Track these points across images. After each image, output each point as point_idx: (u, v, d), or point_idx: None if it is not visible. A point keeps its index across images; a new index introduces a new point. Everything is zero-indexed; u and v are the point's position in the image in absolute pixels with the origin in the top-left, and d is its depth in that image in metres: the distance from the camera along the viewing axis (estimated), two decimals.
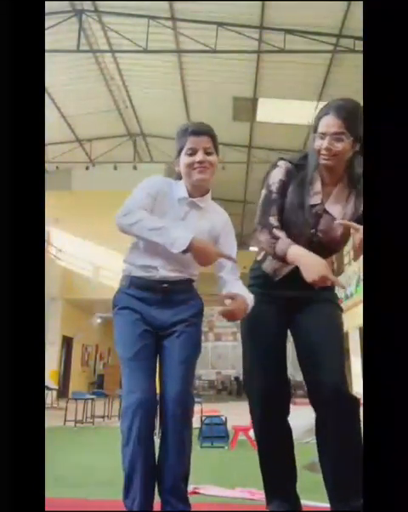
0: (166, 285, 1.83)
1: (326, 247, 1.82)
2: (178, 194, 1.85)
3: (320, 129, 1.73)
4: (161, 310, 1.84)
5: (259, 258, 1.99)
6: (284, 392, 1.89)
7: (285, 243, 1.66)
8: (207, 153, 1.80)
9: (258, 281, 1.96)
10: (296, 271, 1.67)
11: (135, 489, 1.69)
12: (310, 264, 1.59)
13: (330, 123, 1.70)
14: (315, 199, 1.79)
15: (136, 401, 1.71)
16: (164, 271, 1.83)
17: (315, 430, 1.81)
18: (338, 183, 1.82)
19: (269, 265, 1.92)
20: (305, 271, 1.59)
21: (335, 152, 1.71)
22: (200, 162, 1.78)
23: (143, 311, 1.83)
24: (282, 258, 1.68)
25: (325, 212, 1.80)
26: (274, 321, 1.88)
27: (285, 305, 1.88)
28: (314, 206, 1.79)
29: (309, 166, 1.81)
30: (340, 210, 1.80)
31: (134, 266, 1.87)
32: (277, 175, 1.83)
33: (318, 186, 1.80)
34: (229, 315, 1.73)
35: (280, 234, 1.70)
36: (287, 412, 1.90)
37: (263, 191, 1.84)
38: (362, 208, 1.76)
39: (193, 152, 1.79)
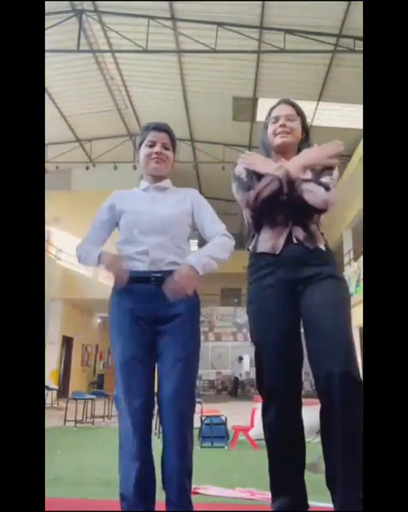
0: (158, 274, 1.83)
1: (303, 208, 1.88)
2: (142, 187, 2.01)
3: (273, 115, 1.99)
4: (155, 302, 1.83)
5: (251, 246, 1.97)
6: (299, 387, 1.87)
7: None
8: (165, 148, 1.96)
9: (259, 272, 1.92)
10: (294, 249, 1.85)
11: (131, 491, 1.71)
12: None
13: (282, 109, 1.99)
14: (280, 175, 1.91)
15: (131, 404, 1.74)
16: (158, 253, 1.85)
17: (320, 416, 1.78)
18: None
19: (264, 243, 1.91)
20: None
21: (289, 128, 1.94)
22: (157, 153, 1.93)
23: (137, 306, 1.83)
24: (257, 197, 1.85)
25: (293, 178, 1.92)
26: (286, 316, 1.85)
27: (292, 294, 1.85)
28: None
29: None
30: (303, 175, 1.92)
31: (126, 258, 1.88)
32: (240, 168, 1.99)
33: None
34: (172, 293, 1.76)
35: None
36: (301, 406, 1.89)
37: (234, 183, 2.00)
38: (322, 175, 1.92)
39: (152, 144, 1.94)
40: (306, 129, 2.01)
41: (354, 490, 1.61)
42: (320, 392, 1.75)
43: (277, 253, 1.88)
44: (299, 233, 1.88)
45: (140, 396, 1.76)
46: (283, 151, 1.98)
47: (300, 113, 2.00)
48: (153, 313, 1.83)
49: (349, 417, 1.67)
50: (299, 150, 1.99)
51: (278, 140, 1.96)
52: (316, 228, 1.93)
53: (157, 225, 1.88)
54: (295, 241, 1.88)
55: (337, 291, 1.85)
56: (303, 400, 1.90)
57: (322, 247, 1.90)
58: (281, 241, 1.88)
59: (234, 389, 17.68)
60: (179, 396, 1.76)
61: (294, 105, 2.01)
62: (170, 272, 1.81)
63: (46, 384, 9.90)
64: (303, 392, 1.91)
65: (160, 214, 1.90)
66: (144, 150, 1.96)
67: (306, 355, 1.83)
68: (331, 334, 1.74)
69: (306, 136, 2.02)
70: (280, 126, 1.94)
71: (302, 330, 1.88)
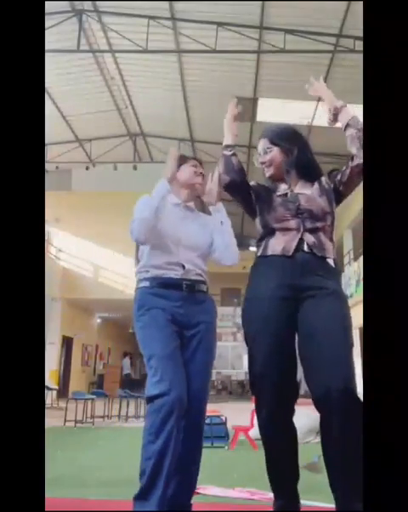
0: (189, 282, 2.01)
1: (315, 216, 1.95)
2: (172, 201, 2.14)
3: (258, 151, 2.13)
4: (185, 307, 1.99)
5: (260, 251, 1.98)
6: (292, 393, 1.88)
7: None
8: None
9: (264, 274, 1.93)
10: (303, 255, 1.89)
11: (158, 489, 1.71)
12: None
13: (259, 145, 2.11)
14: (284, 190, 2.05)
15: (175, 398, 1.78)
16: (189, 266, 2.03)
17: (320, 433, 1.80)
18: (299, 181, 2.06)
19: (275, 246, 1.93)
20: None
21: (267, 163, 2.07)
22: (202, 174, 2.25)
23: (170, 310, 1.96)
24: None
25: (299, 194, 2.01)
26: (283, 319, 1.85)
27: (292, 300, 1.86)
28: (285, 194, 2.03)
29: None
30: (310, 191, 2.01)
31: (156, 267, 2.02)
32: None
33: (284, 184, 2.08)
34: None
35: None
36: (293, 412, 1.90)
37: None
38: (330, 193, 2.00)
39: (196, 166, 2.23)
40: (292, 150, 2.01)
41: (353, 502, 1.64)
42: (318, 407, 1.77)
43: (289, 255, 1.90)
44: (310, 239, 1.91)
45: (183, 390, 1.84)
46: (276, 179, 2.09)
47: (277, 141, 2.05)
48: (184, 318, 1.97)
49: (348, 433, 1.69)
50: (303, 166, 2.04)
51: (266, 174, 2.11)
52: (326, 239, 1.95)
53: (191, 243, 2.07)
54: (305, 248, 1.90)
55: (341, 307, 1.87)
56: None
57: (330, 260, 1.93)
58: (293, 244, 1.91)
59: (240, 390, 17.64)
60: (203, 396, 1.97)
61: (270, 135, 2.08)
62: (197, 281, 2.04)
63: (46, 384, 9.90)
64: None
65: (194, 233, 2.10)
66: (190, 169, 2.20)
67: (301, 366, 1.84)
68: (332, 350, 1.75)
69: (300, 152, 2.02)
70: (261, 163, 2.10)
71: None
